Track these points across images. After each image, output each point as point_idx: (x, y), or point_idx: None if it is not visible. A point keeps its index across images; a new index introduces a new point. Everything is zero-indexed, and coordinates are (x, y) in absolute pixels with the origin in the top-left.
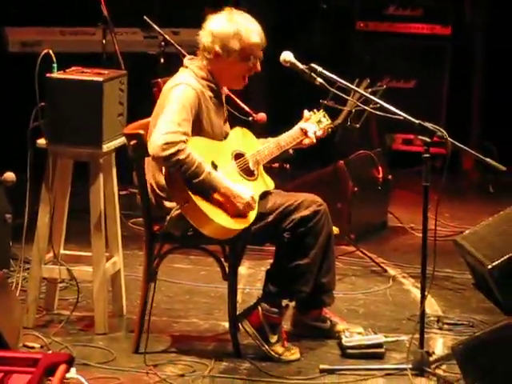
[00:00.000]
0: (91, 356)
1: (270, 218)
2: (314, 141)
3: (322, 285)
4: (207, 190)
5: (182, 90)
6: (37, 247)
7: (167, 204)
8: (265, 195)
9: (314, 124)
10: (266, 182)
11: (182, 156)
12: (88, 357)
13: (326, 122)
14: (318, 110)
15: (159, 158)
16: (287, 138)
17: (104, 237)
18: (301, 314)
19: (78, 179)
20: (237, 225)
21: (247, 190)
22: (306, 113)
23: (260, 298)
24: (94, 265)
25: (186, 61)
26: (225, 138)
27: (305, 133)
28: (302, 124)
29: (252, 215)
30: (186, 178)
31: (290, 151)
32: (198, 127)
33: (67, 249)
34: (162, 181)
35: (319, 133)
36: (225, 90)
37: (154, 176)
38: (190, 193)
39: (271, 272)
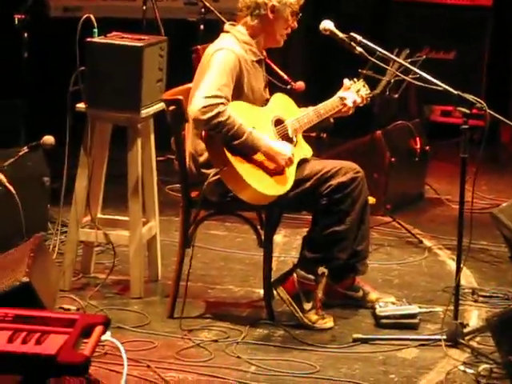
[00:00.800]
0: (126, 319)
1: (308, 184)
2: (352, 110)
3: (356, 252)
4: (248, 151)
5: (223, 55)
6: (74, 210)
7: (205, 170)
8: (302, 162)
9: (353, 93)
10: (304, 150)
11: (222, 118)
12: (123, 320)
13: (366, 91)
14: (358, 80)
15: (199, 121)
16: (326, 107)
17: (141, 202)
18: (334, 282)
19: (116, 144)
20: (274, 190)
21: (288, 147)
22: (345, 82)
23: (296, 265)
24: (130, 229)
25: (226, 26)
26: (265, 103)
27: (343, 102)
28: (341, 93)
29: (290, 181)
30: (227, 140)
31: (331, 120)
32: (239, 91)
33: (104, 213)
34: (202, 146)
35: (358, 101)
36: (265, 56)
37: (194, 141)
38: (228, 156)
39: (308, 238)
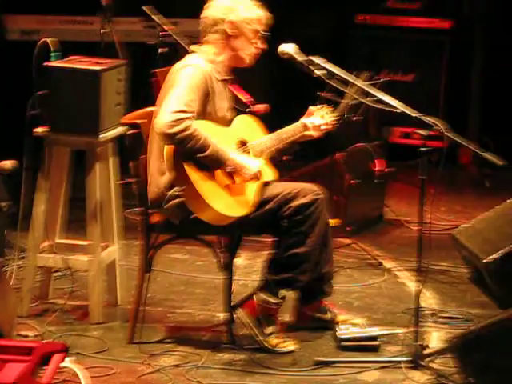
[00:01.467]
0: (86, 346)
1: (268, 206)
2: (315, 135)
3: (322, 275)
4: (214, 165)
5: (191, 71)
6: (32, 236)
7: (167, 192)
8: (264, 185)
9: (317, 118)
10: (267, 173)
11: (189, 131)
12: (82, 346)
13: (332, 117)
14: (323, 105)
15: (166, 135)
16: (288, 131)
17: (100, 226)
18: (302, 304)
19: (80, 168)
20: (234, 212)
21: (255, 162)
22: (310, 108)
23: (258, 288)
24: (89, 254)
25: (192, 47)
26: (228, 124)
27: (305, 126)
28: (304, 118)
29: (251, 203)
30: (192, 154)
31: (296, 146)
32: (203, 109)
33: (68, 237)
34: (164, 166)
35: (318, 123)
36: (230, 77)
37: (156, 163)
38: (189, 175)
39: (270, 261)
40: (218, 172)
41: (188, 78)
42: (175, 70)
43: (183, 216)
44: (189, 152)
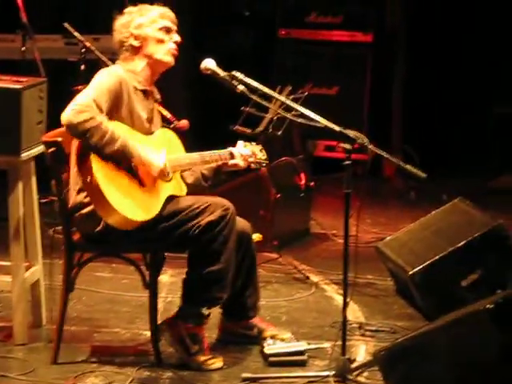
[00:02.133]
0: (10, 367)
1: (176, 218)
2: (241, 164)
3: (246, 304)
4: (120, 159)
5: (104, 74)
6: None
7: (79, 197)
8: (171, 199)
9: (246, 150)
10: (178, 187)
11: (94, 123)
12: (7, 368)
13: (262, 156)
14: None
15: (71, 124)
16: (213, 156)
17: (23, 245)
18: (227, 321)
19: None
20: (137, 215)
21: (161, 157)
22: (240, 143)
23: (180, 307)
24: (12, 274)
25: (117, 62)
26: (148, 134)
27: (232, 155)
28: (233, 148)
29: (156, 207)
30: (99, 148)
31: (222, 176)
32: (117, 113)
33: None
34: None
35: (251, 158)
36: (152, 89)
37: (74, 174)
38: (93, 171)
39: (186, 280)
40: (125, 174)
41: (100, 80)
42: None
43: (94, 226)
44: (96, 146)
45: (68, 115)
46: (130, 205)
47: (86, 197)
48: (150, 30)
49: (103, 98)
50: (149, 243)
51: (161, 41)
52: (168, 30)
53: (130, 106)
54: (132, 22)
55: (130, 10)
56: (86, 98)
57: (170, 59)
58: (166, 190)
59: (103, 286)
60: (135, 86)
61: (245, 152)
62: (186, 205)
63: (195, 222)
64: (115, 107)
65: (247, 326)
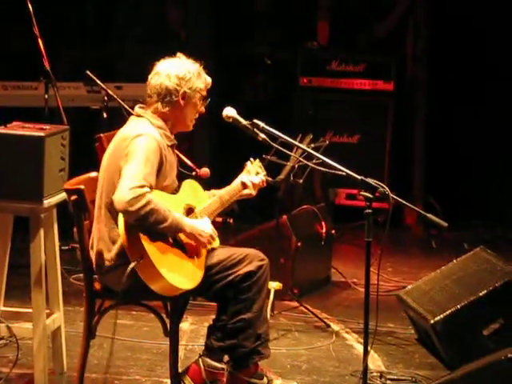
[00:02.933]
0: None
1: (213, 271)
2: (254, 193)
3: (258, 336)
4: (171, 234)
5: (145, 142)
6: None
7: (113, 257)
8: (210, 251)
9: (253, 176)
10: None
11: (150, 207)
12: None
13: (262, 172)
14: (254, 161)
15: (129, 212)
16: (229, 193)
17: (44, 293)
18: (236, 370)
19: (17, 233)
20: (186, 284)
21: (207, 224)
22: (247, 166)
23: (202, 354)
24: (34, 321)
25: (138, 109)
26: (175, 189)
27: (244, 184)
28: (242, 177)
29: (200, 274)
30: (152, 226)
31: (235, 206)
32: (158, 179)
33: (8, 305)
34: (115, 233)
35: (257, 183)
36: (175, 143)
37: (103, 228)
38: (146, 247)
39: (214, 326)
40: (172, 245)
41: (143, 150)
42: (127, 138)
43: (127, 285)
44: (150, 226)
45: (124, 204)
46: (180, 275)
47: (132, 268)
48: (197, 97)
49: (151, 171)
50: (182, 295)
51: (196, 108)
52: (204, 100)
53: (166, 168)
54: (190, 81)
55: (186, 63)
56: (137, 178)
57: (191, 128)
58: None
59: (124, 334)
60: (167, 144)
61: (255, 180)
62: (225, 256)
63: (234, 270)
64: (158, 173)
65: (257, 375)
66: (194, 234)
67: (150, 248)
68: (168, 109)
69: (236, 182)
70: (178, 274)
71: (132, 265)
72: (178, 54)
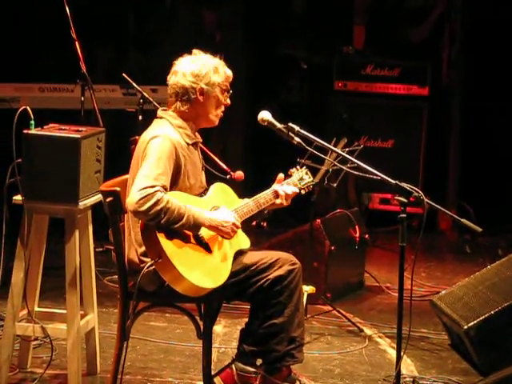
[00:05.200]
0: None
1: (244, 274)
2: (285, 203)
3: (292, 339)
4: (191, 231)
5: (159, 143)
6: (11, 304)
7: (144, 259)
8: (239, 254)
9: (287, 186)
10: (241, 241)
11: (160, 205)
12: None
13: (308, 179)
14: (300, 168)
15: (139, 213)
16: (263, 199)
17: (79, 294)
18: (269, 373)
19: (52, 235)
20: (209, 283)
21: (228, 213)
22: (280, 175)
23: (235, 358)
24: (68, 322)
25: (159, 112)
26: (203, 189)
27: (277, 193)
28: (275, 185)
29: (226, 273)
30: (168, 225)
31: (265, 211)
32: (176, 178)
33: (42, 306)
34: (140, 236)
35: (290, 193)
36: (199, 140)
37: (133, 231)
38: (164, 247)
39: (246, 331)
40: (193, 243)
41: (157, 150)
42: (144, 141)
43: (158, 284)
44: (165, 225)
45: (133, 205)
46: (201, 274)
47: (150, 264)
48: (217, 91)
49: (164, 171)
50: (211, 296)
51: (219, 102)
52: (227, 93)
53: (186, 167)
54: (206, 77)
55: (201, 58)
56: (147, 179)
57: (217, 122)
58: (233, 247)
59: (157, 336)
60: (187, 142)
61: (289, 191)
62: (256, 259)
63: (265, 275)
64: (175, 174)
65: (289, 379)
66: (214, 226)
67: (168, 247)
68: (187, 107)
69: (269, 190)
70: (200, 272)
71: (149, 264)
72: (195, 51)
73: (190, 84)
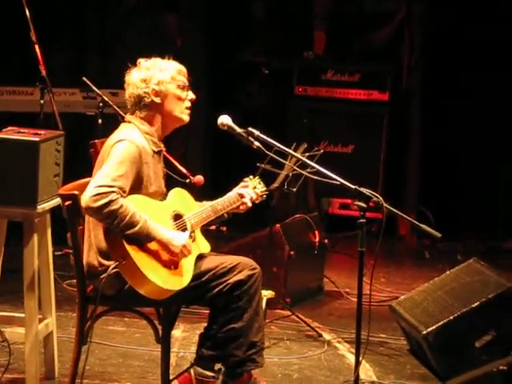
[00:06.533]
0: None
1: (204, 278)
2: (250, 205)
3: (253, 344)
4: (143, 240)
5: (124, 146)
6: None
7: (105, 261)
8: (200, 258)
9: (250, 190)
10: (202, 245)
11: (114, 206)
12: None
13: (261, 188)
14: (254, 176)
15: (91, 209)
16: (224, 203)
17: (37, 298)
18: (229, 378)
19: (11, 238)
20: (172, 285)
21: (181, 236)
22: (244, 180)
23: (193, 362)
24: (26, 326)
25: (127, 116)
26: (163, 196)
27: (241, 198)
28: (239, 189)
29: (188, 276)
30: (121, 230)
31: (225, 215)
32: (138, 184)
33: (0, 309)
34: (101, 238)
35: (254, 198)
36: (163, 148)
37: (94, 233)
38: (127, 248)
39: (205, 335)
40: (155, 245)
41: (120, 153)
42: (109, 145)
43: (118, 288)
44: (116, 228)
45: (87, 200)
46: (165, 276)
47: (114, 265)
48: (173, 87)
49: (124, 174)
50: (169, 300)
51: (179, 98)
52: (185, 87)
53: (149, 173)
54: (153, 78)
55: (145, 64)
56: (105, 179)
57: (186, 118)
58: (194, 251)
59: (116, 340)
60: (153, 150)
61: (252, 194)
62: (216, 264)
63: (225, 279)
64: (137, 179)
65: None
66: (165, 243)
67: (132, 249)
68: (148, 112)
69: (232, 193)
70: (163, 274)
71: (114, 265)
72: (139, 60)
73: (142, 90)
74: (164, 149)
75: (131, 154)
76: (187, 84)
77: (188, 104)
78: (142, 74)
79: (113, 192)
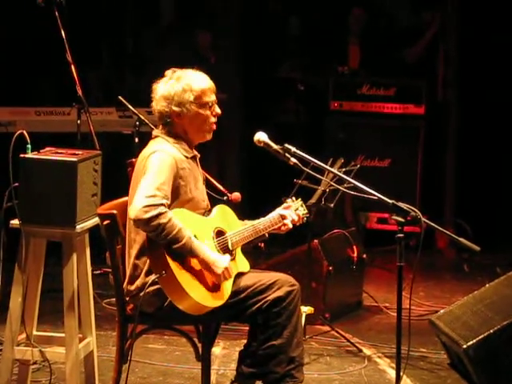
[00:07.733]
0: None
1: (242, 295)
2: (291, 227)
3: (292, 359)
4: (186, 256)
5: (158, 157)
6: (9, 328)
7: (147, 278)
8: (238, 275)
9: (292, 212)
10: (242, 264)
11: (163, 220)
12: None
13: (303, 210)
14: (296, 199)
15: (140, 220)
16: (265, 223)
17: (77, 317)
18: None
19: (50, 258)
20: (211, 302)
21: (224, 258)
22: (286, 201)
23: (234, 379)
24: (66, 346)
25: (154, 131)
26: (205, 203)
27: (283, 219)
28: (281, 210)
29: (226, 293)
30: (166, 243)
31: (266, 235)
32: (178, 190)
33: (40, 329)
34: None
35: (296, 220)
36: (197, 155)
37: (136, 250)
38: (169, 262)
39: (245, 352)
40: (197, 264)
41: (156, 164)
42: (143, 158)
43: (158, 305)
44: (162, 241)
45: (137, 211)
46: (204, 292)
47: (154, 281)
48: (194, 108)
49: (165, 181)
50: (208, 317)
51: (203, 117)
52: (210, 106)
53: (187, 178)
54: (175, 97)
55: (171, 78)
56: (151, 188)
57: (208, 136)
58: (234, 269)
59: (156, 358)
60: (186, 156)
61: (295, 216)
62: (254, 281)
63: (264, 296)
64: (176, 186)
65: None
66: (207, 263)
67: (173, 262)
68: (171, 127)
69: (274, 214)
70: (202, 290)
71: (154, 277)
72: (167, 72)
73: (163, 108)
74: (198, 155)
75: (167, 162)
76: (213, 101)
77: (212, 121)
78: (165, 91)
79: (162, 205)
